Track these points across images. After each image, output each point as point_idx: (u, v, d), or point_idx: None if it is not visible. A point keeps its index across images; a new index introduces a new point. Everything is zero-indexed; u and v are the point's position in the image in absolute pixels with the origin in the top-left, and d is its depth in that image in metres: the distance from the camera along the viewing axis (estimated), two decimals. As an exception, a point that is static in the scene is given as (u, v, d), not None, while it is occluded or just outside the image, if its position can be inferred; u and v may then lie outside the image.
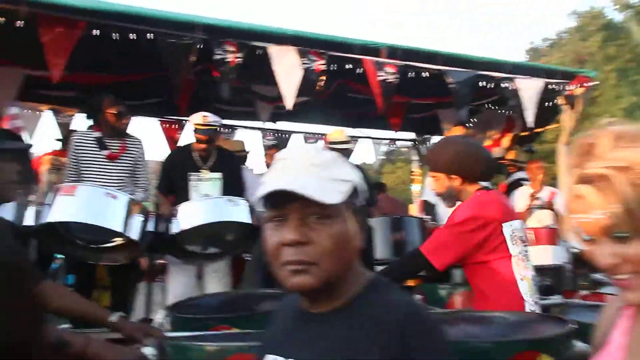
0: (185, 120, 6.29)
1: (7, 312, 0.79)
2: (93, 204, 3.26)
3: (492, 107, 6.04)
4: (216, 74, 4.48)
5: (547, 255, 4.34)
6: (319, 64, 4.05)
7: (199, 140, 3.96)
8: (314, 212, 0.97)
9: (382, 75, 4.20)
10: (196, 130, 3.95)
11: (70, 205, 3.18)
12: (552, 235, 4.41)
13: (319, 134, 6.80)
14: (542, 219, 4.97)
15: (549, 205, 5.02)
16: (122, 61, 4.47)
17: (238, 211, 3.56)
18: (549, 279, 4.00)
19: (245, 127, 6.32)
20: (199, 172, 4.04)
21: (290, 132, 6.65)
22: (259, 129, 6.38)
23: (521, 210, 4.88)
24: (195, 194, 4.01)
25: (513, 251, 2.32)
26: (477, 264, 2.33)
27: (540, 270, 3.11)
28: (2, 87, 4.43)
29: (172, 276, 3.95)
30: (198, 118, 3.92)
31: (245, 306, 2.89)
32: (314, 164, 1.00)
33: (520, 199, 5.18)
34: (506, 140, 5.87)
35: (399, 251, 4.09)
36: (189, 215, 3.50)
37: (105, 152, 3.78)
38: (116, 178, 3.81)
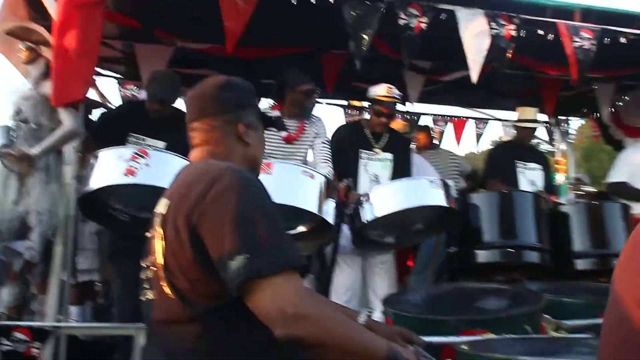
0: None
1: None
2: (289, 183, 2.92)
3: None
4: (383, 48, 4.08)
5: None
6: (510, 29, 3.55)
7: (379, 114, 3.63)
8: None
9: (578, 42, 3.66)
10: (378, 103, 3.63)
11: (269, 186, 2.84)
12: None
13: (450, 116, 6.32)
14: None
15: None
16: (275, 32, 4.09)
17: (438, 194, 3.15)
18: None
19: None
20: (371, 150, 3.68)
21: (419, 114, 6.20)
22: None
23: None
24: (364, 174, 3.65)
25: None
26: None
27: None
28: (153, 63, 4.14)
29: (338, 267, 3.56)
30: (382, 90, 3.62)
31: (469, 305, 2.48)
32: None
33: None
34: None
35: (600, 242, 3.59)
36: (387, 199, 3.11)
37: (284, 134, 3.45)
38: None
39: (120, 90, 5.33)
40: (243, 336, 1.23)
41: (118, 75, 5.29)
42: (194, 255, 1.21)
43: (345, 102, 5.99)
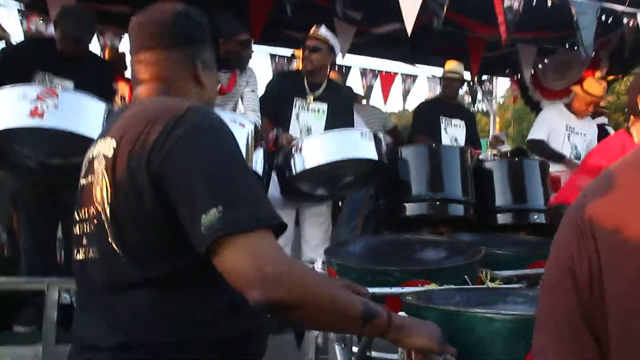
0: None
1: None
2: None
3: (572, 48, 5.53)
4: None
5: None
6: (447, -18, 3.48)
7: (310, 48, 3.45)
8: None
9: (507, 1, 3.67)
10: (307, 39, 3.50)
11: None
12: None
13: (378, 70, 6.27)
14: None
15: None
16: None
17: (369, 147, 3.09)
18: None
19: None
20: (305, 98, 3.55)
21: (349, 67, 6.09)
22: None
23: None
24: (295, 123, 3.53)
25: None
26: None
27: None
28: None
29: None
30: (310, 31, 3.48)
31: (409, 256, 2.47)
32: None
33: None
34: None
35: (520, 197, 3.71)
36: (317, 151, 3.01)
37: None
38: None
39: (22, 23, 4.80)
40: (206, 304, 1.09)
41: (21, 6, 4.76)
42: (154, 207, 1.05)
43: (272, 50, 5.77)
